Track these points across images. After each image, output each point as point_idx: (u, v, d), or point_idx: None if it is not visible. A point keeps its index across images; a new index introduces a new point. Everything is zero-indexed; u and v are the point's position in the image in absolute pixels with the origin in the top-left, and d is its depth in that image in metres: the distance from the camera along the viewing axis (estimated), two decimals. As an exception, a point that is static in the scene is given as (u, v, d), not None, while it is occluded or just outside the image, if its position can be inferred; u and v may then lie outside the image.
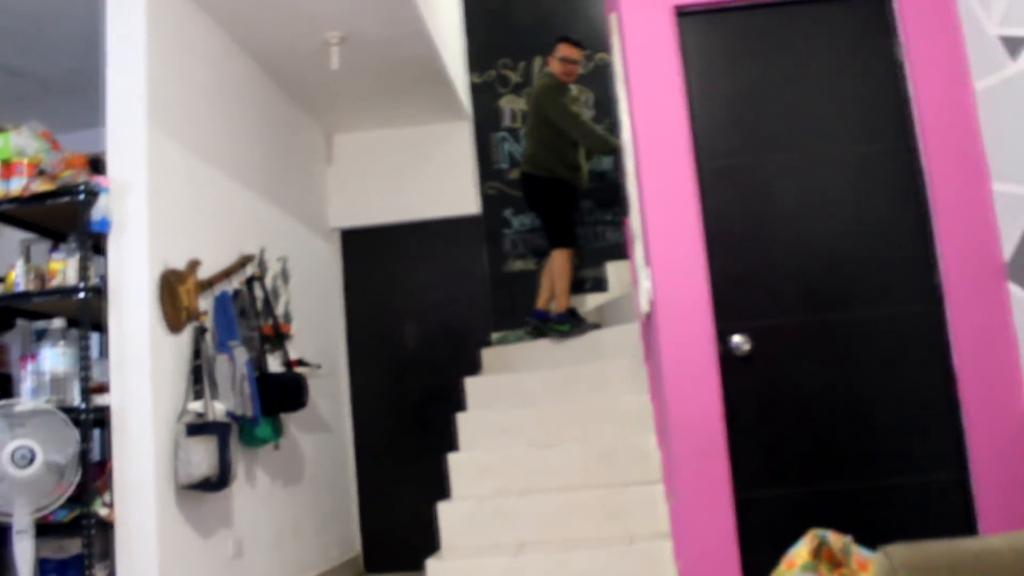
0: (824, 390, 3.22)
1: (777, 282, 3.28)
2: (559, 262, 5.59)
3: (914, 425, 3.17)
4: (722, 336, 3.22)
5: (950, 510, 3.11)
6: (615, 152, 5.57)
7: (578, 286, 6.22)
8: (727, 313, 3.24)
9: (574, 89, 5.97)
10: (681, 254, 3.27)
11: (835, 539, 1.87)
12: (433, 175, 6.51)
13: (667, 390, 3.23)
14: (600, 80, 6.39)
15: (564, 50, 5.72)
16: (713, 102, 3.39)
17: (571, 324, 5.46)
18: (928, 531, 2.26)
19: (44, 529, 3.62)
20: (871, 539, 2.13)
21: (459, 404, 5.21)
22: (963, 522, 3.08)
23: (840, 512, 3.11)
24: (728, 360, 3.21)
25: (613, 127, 6.15)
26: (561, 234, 5.65)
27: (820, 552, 1.86)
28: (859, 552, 1.87)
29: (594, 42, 6.43)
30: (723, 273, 3.27)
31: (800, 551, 1.87)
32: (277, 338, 5.00)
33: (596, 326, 5.43)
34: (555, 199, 5.68)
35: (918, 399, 3.18)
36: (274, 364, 4.93)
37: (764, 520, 3.13)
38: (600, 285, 6.25)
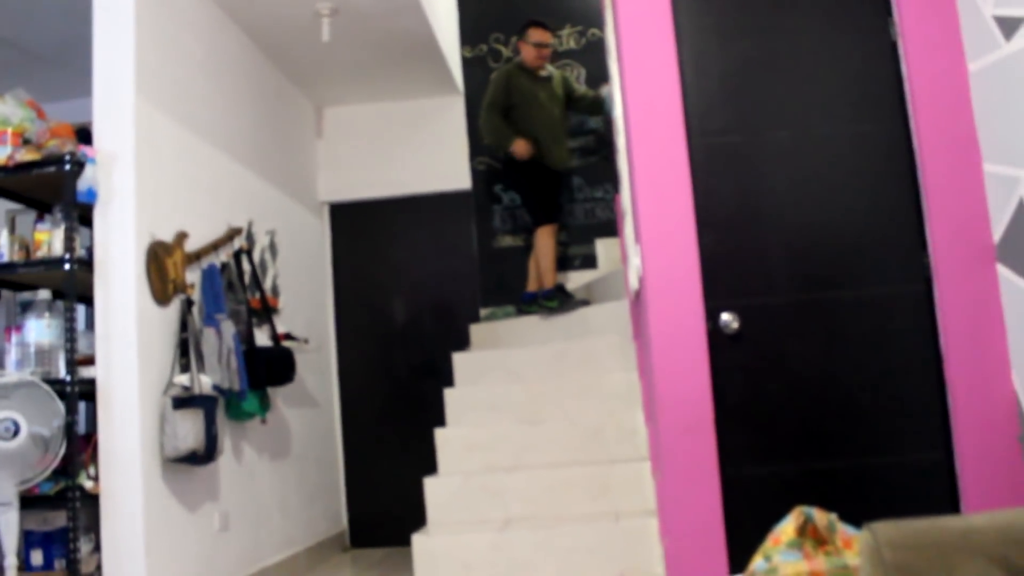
0: (812, 369, 3.22)
1: (767, 261, 3.27)
2: (541, 240, 5.61)
3: (901, 405, 3.17)
4: (711, 314, 3.21)
5: (935, 490, 3.12)
6: (503, 152, 5.68)
7: (567, 263, 6.22)
8: (716, 291, 3.23)
9: (551, 69, 5.91)
10: (671, 231, 3.26)
11: (820, 517, 1.87)
12: (423, 149, 6.48)
13: (655, 367, 3.23)
14: (593, 56, 6.36)
15: (536, 35, 5.71)
16: (706, 79, 3.36)
17: (559, 300, 5.47)
18: (913, 510, 2.26)
19: (29, 502, 3.62)
20: (856, 517, 2.13)
21: (447, 380, 5.21)
22: (947, 502, 3.10)
23: (826, 490, 3.12)
24: (717, 338, 3.20)
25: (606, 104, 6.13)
26: (540, 212, 5.68)
27: (805, 529, 1.86)
28: (844, 530, 1.87)
29: (587, 17, 6.41)
30: (713, 251, 3.25)
31: (786, 528, 1.87)
32: (265, 312, 4.98)
33: (584, 302, 5.43)
34: (526, 179, 5.71)
35: (906, 379, 3.18)
36: (261, 338, 4.91)
37: (750, 498, 3.14)
38: (590, 262, 6.24)
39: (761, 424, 3.20)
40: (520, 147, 5.53)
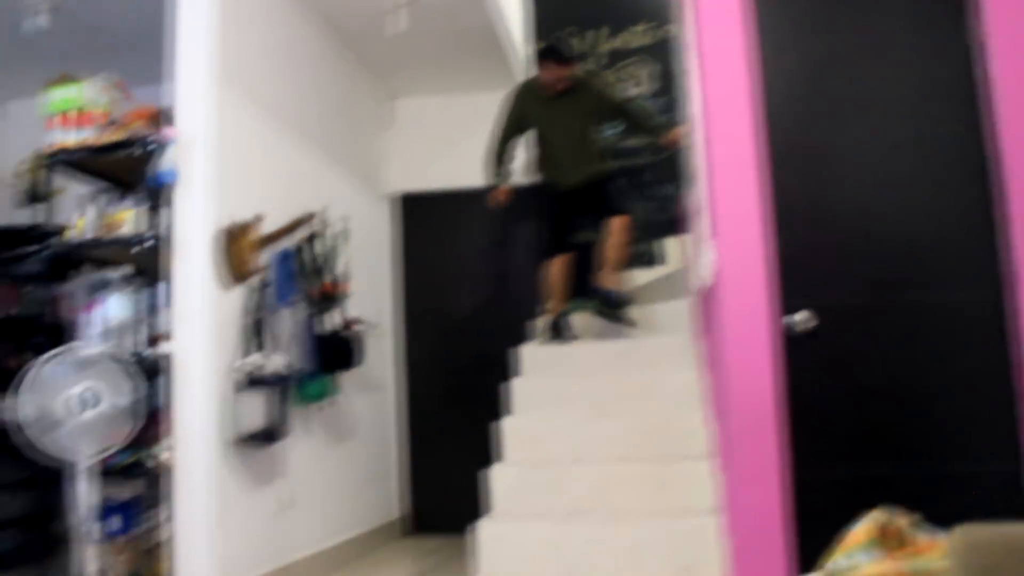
0: (885, 372, 3.18)
1: (841, 260, 3.24)
2: (545, 271, 5.42)
3: (972, 413, 3.12)
4: (783, 312, 3.19)
5: (1004, 501, 3.07)
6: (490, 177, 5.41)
7: (634, 260, 6.20)
8: (790, 290, 3.20)
9: (580, 81, 5.40)
10: (745, 228, 3.24)
11: (900, 518, 1.85)
12: (493, 142, 6.49)
13: (727, 365, 3.21)
14: (665, 52, 6.33)
15: (542, 70, 5.25)
16: (783, 76, 3.33)
17: (551, 334, 5.37)
18: (981, 520, 2.23)
19: (106, 471, 3.72)
20: (927, 524, 2.11)
21: (511, 371, 5.22)
22: (1017, 514, 3.04)
23: (894, 495, 3.06)
24: (789, 337, 3.18)
25: (675, 101, 6.10)
26: (543, 244, 5.48)
27: (884, 530, 1.85)
28: (926, 533, 1.85)
29: (660, 14, 6.39)
30: (787, 250, 3.23)
31: (865, 527, 1.86)
32: (334, 297, 5.05)
33: (573, 337, 5.33)
34: (537, 207, 5.53)
35: (978, 387, 3.12)
36: (330, 322, 4.98)
37: (816, 499, 3.11)
38: (655, 260, 6.22)
39: (831, 426, 3.17)
40: (495, 196, 5.39)
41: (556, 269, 5.35)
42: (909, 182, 3.25)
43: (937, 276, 3.20)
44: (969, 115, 3.22)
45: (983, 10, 3.20)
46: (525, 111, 5.36)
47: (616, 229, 5.29)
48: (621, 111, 5.52)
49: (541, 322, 5.62)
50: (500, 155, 5.41)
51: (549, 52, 5.26)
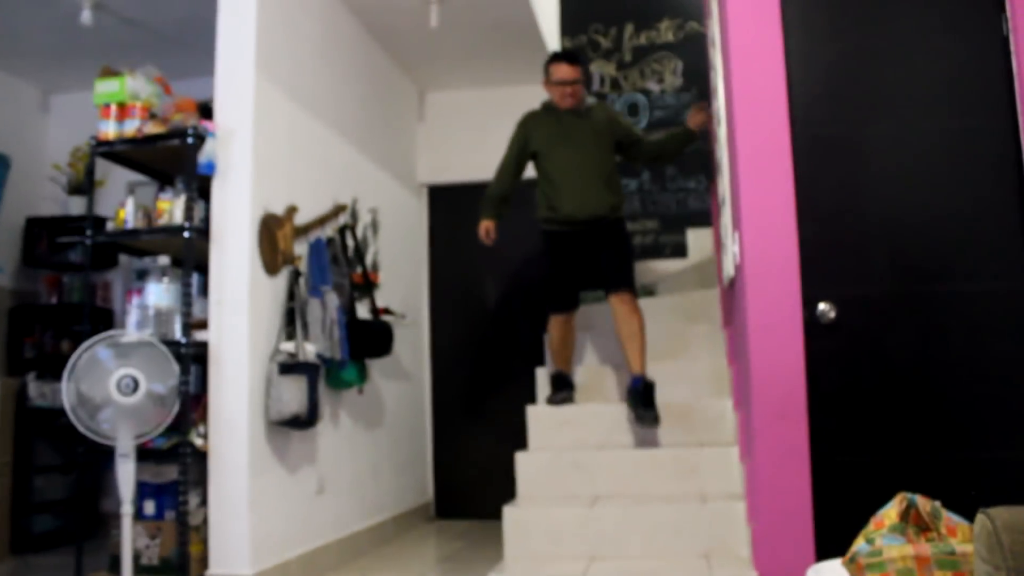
0: (909, 361, 3.22)
1: (867, 252, 3.28)
2: (550, 328, 4.75)
3: (997, 403, 3.16)
4: (808, 303, 3.24)
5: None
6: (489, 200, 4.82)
7: (658, 252, 6.26)
8: (815, 280, 3.25)
9: (592, 103, 4.88)
10: (771, 220, 3.29)
11: (924, 503, 1.91)
12: (522, 135, 6.55)
13: (751, 353, 3.27)
14: (690, 48, 6.38)
15: (559, 72, 4.64)
16: (812, 69, 3.38)
17: (552, 390, 4.76)
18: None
19: (144, 455, 3.83)
20: (949, 509, 2.16)
21: (536, 360, 5.29)
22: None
23: (917, 482, 3.11)
24: (813, 327, 3.23)
25: (703, 95, 6.14)
26: (546, 297, 4.76)
27: (908, 515, 1.90)
28: (949, 517, 1.91)
29: (686, 10, 6.43)
30: (813, 240, 3.28)
31: (889, 512, 1.92)
32: (366, 286, 5.14)
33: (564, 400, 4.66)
34: (544, 255, 4.81)
35: (1003, 377, 3.16)
36: (362, 311, 5.08)
37: (840, 485, 3.16)
38: (680, 251, 6.27)
39: (855, 414, 3.22)
40: (481, 229, 4.77)
41: (559, 333, 4.71)
42: (936, 174, 3.29)
43: (963, 267, 3.24)
44: (1001, 108, 3.25)
45: (1015, 4, 3.23)
46: (530, 133, 4.74)
47: (625, 314, 4.47)
48: (635, 141, 4.84)
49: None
50: (500, 191, 4.86)
51: (560, 55, 4.76)
